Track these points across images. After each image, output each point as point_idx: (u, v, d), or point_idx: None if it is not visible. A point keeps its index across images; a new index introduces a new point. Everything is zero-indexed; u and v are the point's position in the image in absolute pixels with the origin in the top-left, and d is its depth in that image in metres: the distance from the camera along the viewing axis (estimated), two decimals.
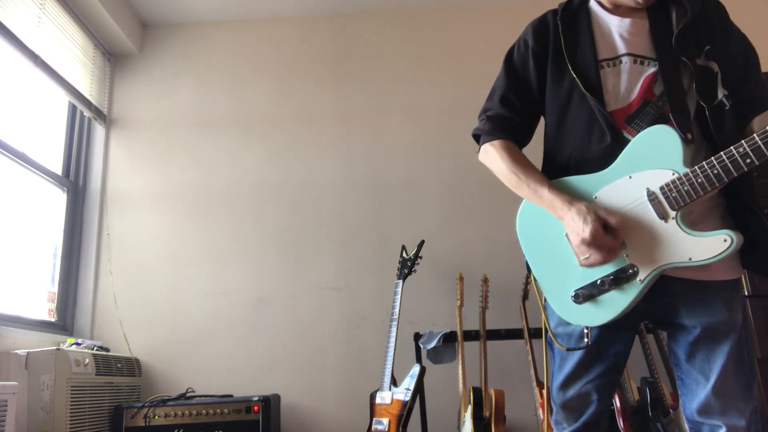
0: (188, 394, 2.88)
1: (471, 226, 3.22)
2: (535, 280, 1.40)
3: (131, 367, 2.99)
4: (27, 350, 2.47)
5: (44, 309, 3.06)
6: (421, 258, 2.82)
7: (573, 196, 1.27)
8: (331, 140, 3.45)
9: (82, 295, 3.23)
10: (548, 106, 1.38)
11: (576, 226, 1.22)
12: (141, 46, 3.64)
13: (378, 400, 2.56)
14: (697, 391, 1.27)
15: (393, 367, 2.59)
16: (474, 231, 3.21)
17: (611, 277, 1.24)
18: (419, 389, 2.57)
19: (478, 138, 1.46)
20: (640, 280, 1.22)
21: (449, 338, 2.71)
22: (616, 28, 1.32)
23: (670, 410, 2.39)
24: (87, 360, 2.61)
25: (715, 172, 1.12)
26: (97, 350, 2.80)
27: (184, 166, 3.44)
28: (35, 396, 2.40)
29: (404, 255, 2.83)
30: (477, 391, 2.49)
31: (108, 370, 2.76)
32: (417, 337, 2.76)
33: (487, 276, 2.84)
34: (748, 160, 1.09)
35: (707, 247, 1.15)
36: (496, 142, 1.40)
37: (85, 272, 3.26)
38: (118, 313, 3.20)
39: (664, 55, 1.25)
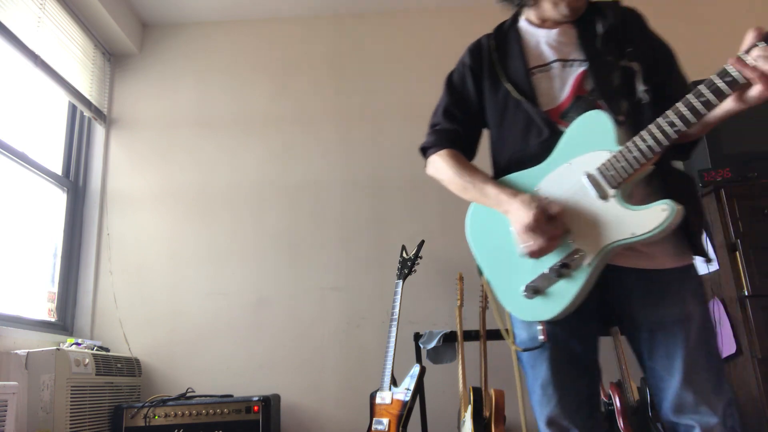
0: (188, 394, 2.88)
1: None
2: (487, 282, 1.41)
3: (131, 367, 2.99)
4: (27, 350, 2.47)
5: (44, 309, 3.06)
6: (421, 258, 2.82)
7: (517, 190, 1.31)
8: (331, 140, 3.46)
9: (82, 295, 3.23)
10: (489, 119, 1.47)
11: (519, 214, 1.24)
12: (141, 46, 3.64)
13: (378, 400, 2.56)
14: (664, 389, 1.25)
15: (393, 367, 2.59)
16: None
17: (559, 264, 1.24)
18: (419, 389, 2.57)
19: (425, 152, 1.54)
20: (587, 264, 1.21)
21: (449, 338, 2.71)
22: (544, 39, 1.42)
23: None
24: (87, 360, 2.61)
25: (648, 144, 1.16)
26: (97, 350, 2.80)
27: (184, 166, 3.44)
28: (35, 396, 2.40)
29: (404, 255, 2.83)
30: (477, 391, 2.49)
31: (108, 370, 2.76)
32: (417, 337, 2.76)
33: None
34: (675, 127, 1.13)
35: (648, 218, 1.15)
36: (442, 152, 1.47)
37: (85, 272, 3.27)
38: (118, 313, 3.20)
39: (591, 54, 1.35)
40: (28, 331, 2.73)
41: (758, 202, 2.53)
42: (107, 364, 2.77)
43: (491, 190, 1.34)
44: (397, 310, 2.69)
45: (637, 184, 1.23)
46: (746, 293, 2.43)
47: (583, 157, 1.25)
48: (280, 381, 3.07)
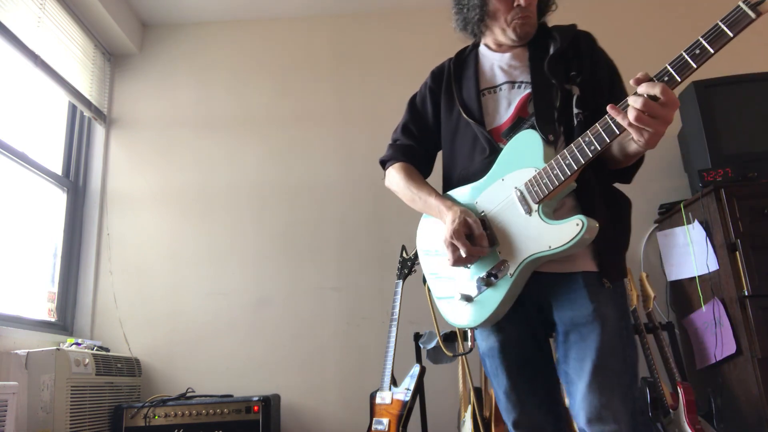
0: (188, 394, 2.88)
1: None
2: (429, 291, 1.53)
3: (131, 367, 2.99)
4: (27, 350, 2.47)
5: (44, 309, 3.06)
6: None
7: (455, 203, 1.42)
8: (332, 140, 3.46)
9: (82, 295, 3.23)
10: (443, 136, 1.57)
11: (446, 226, 1.35)
12: (141, 46, 3.64)
13: (378, 400, 2.56)
14: (574, 393, 1.27)
15: (393, 367, 2.59)
16: None
17: (486, 274, 1.33)
18: (419, 389, 2.57)
19: (384, 165, 1.65)
20: (510, 274, 1.30)
21: (449, 338, 2.70)
22: (497, 63, 1.51)
23: (670, 410, 2.40)
24: (87, 360, 2.61)
25: (567, 162, 1.23)
26: (97, 350, 2.80)
27: (184, 166, 3.44)
28: (35, 396, 2.40)
29: (404, 255, 2.83)
30: (477, 391, 2.49)
31: (108, 370, 2.76)
32: (417, 337, 2.76)
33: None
34: (592, 147, 1.19)
35: (562, 232, 1.22)
36: (397, 165, 1.59)
37: (85, 272, 3.27)
38: (118, 313, 3.20)
39: (537, 78, 1.42)
40: (28, 331, 2.73)
41: (758, 202, 2.53)
42: (107, 364, 2.77)
43: (433, 201, 1.44)
44: (397, 310, 2.69)
45: (566, 202, 1.31)
46: (746, 293, 2.43)
47: (514, 174, 1.33)
48: (280, 381, 3.07)
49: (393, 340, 2.62)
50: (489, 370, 1.43)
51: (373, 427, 2.51)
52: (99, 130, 3.50)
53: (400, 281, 2.75)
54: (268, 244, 3.30)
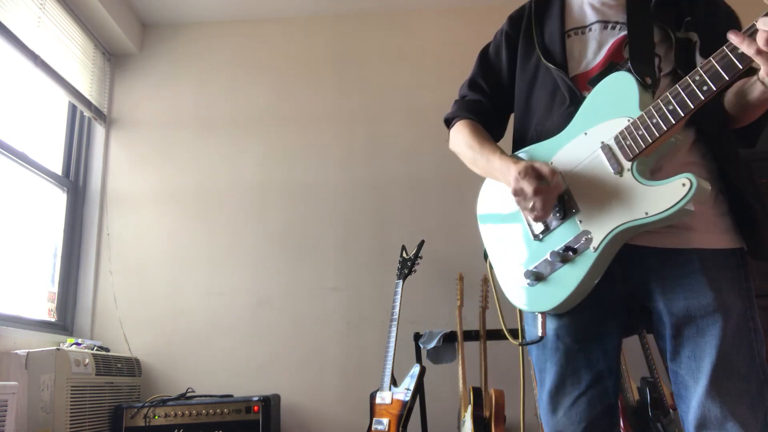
0: (188, 394, 2.88)
1: (471, 226, 3.19)
2: (491, 267, 1.30)
3: (131, 367, 2.99)
4: (27, 350, 2.47)
5: (44, 309, 3.06)
6: (421, 258, 2.82)
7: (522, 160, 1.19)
8: (332, 140, 3.45)
9: (82, 295, 3.23)
10: (517, 88, 1.34)
11: (508, 177, 1.14)
12: (141, 46, 3.64)
13: (378, 400, 2.56)
14: (687, 398, 1.05)
15: (393, 367, 2.59)
16: (474, 231, 3.18)
17: (562, 248, 1.10)
18: (419, 389, 2.57)
19: (448, 123, 1.43)
20: (593, 248, 1.06)
21: (449, 338, 2.71)
22: (588, 1, 1.29)
23: (670, 410, 2.39)
24: (87, 360, 2.61)
25: (670, 107, 0.99)
26: (97, 350, 2.80)
27: (184, 166, 3.44)
28: (35, 396, 2.40)
29: (404, 255, 2.83)
30: (477, 391, 2.49)
31: (108, 370, 2.76)
32: (417, 337, 2.76)
33: (487, 276, 2.84)
34: (705, 87, 0.96)
35: (664, 195, 0.98)
36: (461, 122, 1.37)
37: (85, 272, 3.26)
38: (118, 313, 3.19)
39: (636, 19, 1.19)
40: (28, 331, 2.73)
41: None
42: (107, 364, 2.77)
43: (497, 161, 1.21)
44: (397, 310, 2.69)
45: (674, 153, 1.07)
46: None
47: (601, 126, 1.10)
48: (280, 381, 3.07)
49: (393, 340, 2.62)
50: (535, 363, 1.22)
51: (373, 427, 2.51)
52: (99, 130, 3.50)
53: (400, 281, 2.75)
54: (268, 244, 3.30)
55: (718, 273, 1.06)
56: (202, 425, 2.67)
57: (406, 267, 2.78)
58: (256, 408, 2.70)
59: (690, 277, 1.05)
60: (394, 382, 2.58)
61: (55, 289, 3.15)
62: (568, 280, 1.09)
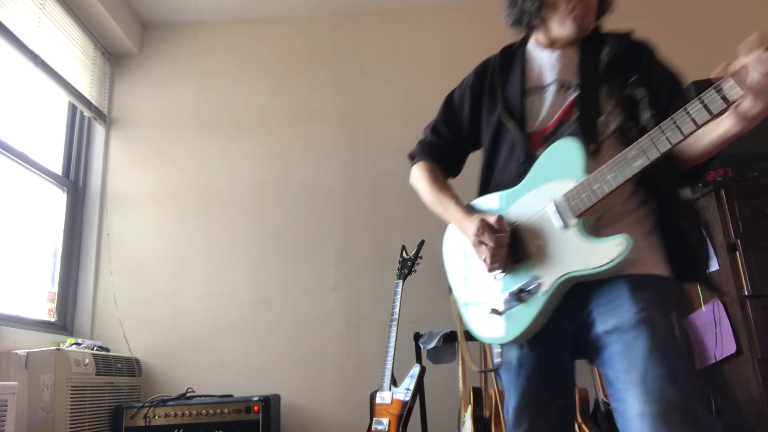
0: (188, 394, 2.88)
1: None
2: (455, 301, 1.47)
3: (131, 367, 2.99)
4: (27, 350, 2.47)
5: (44, 309, 3.06)
6: (421, 258, 2.82)
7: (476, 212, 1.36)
8: (331, 140, 3.45)
9: (82, 295, 3.23)
10: (484, 137, 1.48)
11: (468, 230, 1.31)
12: (141, 46, 3.64)
13: (378, 400, 2.56)
14: (626, 413, 1.09)
15: (393, 367, 2.59)
16: None
17: (517, 290, 1.26)
18: (419, 389, 2.57)
19: (411, 160, 1.62)
20: (543, 292, 1.22)
21: (449, 338, 2.70)
22: (547, 61, 1.42)
23: None
24: (87, 360, 2.61)
25: (611, 174, 1.14)
26: (97, 350, 2.80)
27: (184, 166, 3.44)
28: (35, 396, 2.40)
29: (404, 255, 2.83)
30: (477, 391, 2.49)
31: (108, 370, 2.76)
32: (417, 337, 2.76)
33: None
34: (641, 159, 1.11)
35: (603, 252, 1.14)
36: (422, 164, 1.55)
37: (85, 272, 3.26)
38: (118, 313, 3.20)
39: (587, 82, 1.33)
40: (28, 331, 2.73)
41: (758, 202, 2.53)
42: (107, 364, 2.77)
43: (453, 211, 1.40)
44: (397, 310, 2.69)
45: (618, 208, 1.23)
46: (746, 293, 2.43)
47: (550, 185, 1.25)
48: (280, 381, 3.07)
49: (393, 340, 2.62)
50: (503, 385, 1.36)
51: (373, 427, 2.51)
52: (99, 130, 3.50)
53: (400, 281, 2.75)
54: (268, 243, 3.30)
55: (643, 293, 1.16)
56: (202, 425, 2.67)
57: (406, 267, 2.78)
58: (256, 408, 2.70)
59: (619, 299, 1.17)
60: (394, 382, 2.58)
61: (55, 289, 3.15)
62: (522, 317, 1.25)
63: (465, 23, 3.57)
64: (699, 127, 1.06)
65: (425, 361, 2.69)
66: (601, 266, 1.14)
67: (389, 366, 2.59)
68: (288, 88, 3.56)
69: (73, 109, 3.42)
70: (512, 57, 1.49)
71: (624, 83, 1.31)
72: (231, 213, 3.36)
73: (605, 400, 2.51)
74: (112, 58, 3.62)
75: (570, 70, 1.37)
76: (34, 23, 2.93)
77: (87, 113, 3.40)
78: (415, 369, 2.55)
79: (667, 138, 1.09)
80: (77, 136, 3.44)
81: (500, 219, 1.27)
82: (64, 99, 3.32)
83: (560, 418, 1.30)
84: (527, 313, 1.24)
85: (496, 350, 1.33)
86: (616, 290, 1.18)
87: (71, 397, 2.47)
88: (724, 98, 1.03)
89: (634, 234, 1.15)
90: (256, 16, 3.67)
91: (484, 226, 1.26)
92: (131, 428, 2.67)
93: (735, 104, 1.05)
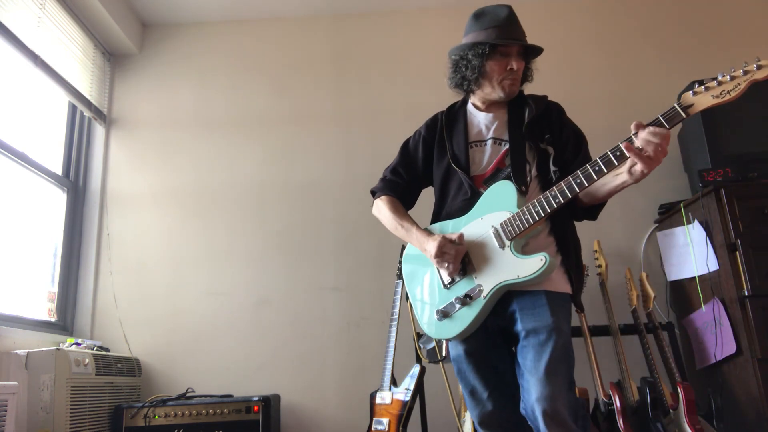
0: (188, 394, 2.88)
1: None
2: (412, 309, 1.85)
3: (131, 367, 2.99)
4: (27, 350, 2.47)
5: (44, 309, 3.06)
6: None
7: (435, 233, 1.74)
8: (331, 140, 3.46)
9: (82, 295, 3.23)
10: (435, 177, 1.87)
11: (430, 248, 1.67)
12: (141, 46, 3.64)
13: (378, 400, 2.56)
14: (528, 387, 1.53)
15: (393, 367, 2.59)
16: None
17: (462, 295, 1.64)
18: (419, 389, 2.57)
19: (373, 195, 1.96)
20: (483, 297, 1.61)
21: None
22: (483, 121, 1.82)
23: (670, 410, 2.40)
24: (87, 360, 2.61)
25: (536, 209, 1.56)
26: (97, 350, 2.80)
27: (184, 166, 3.44)
28: (35, 396, 2.40)
29: None
30: None
31: (108, 370, 2.76)
32: (417, 337, 2.76)
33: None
34: (557, 200, 1.53)
35: (529, 265, 1.54)
36: (384, 197, 1.91)
37: (85, 272, 3.27)
38: (118, 313, 3.20)
39: (514, 138, 1.74)
40: (28, 331, 2.73)
41: (758, 202, 2.53)
42: (107, 364, 2.77)
43: (415, 233, 1.76)
44: (397, 310, 2.69)
45: (536, 236, 1.63)
46: (746, 293, 2.43)
47: (492, 215, 1.65)
48: (280, 381, 3.07)
49: (393, 340, 2.62)
50: (457, 373, 1.72)
51: (373, 427, 2.51)
52: (99, 130, 3.50)
53: (400, 281, 2.75)
54: (268, 243, 3.30)
55: (557, 307, 1.58)
56: (202, 425, 2.67)
57: None
58: (256, 408, 2.70)
59: (540, 307, 1.57)
60: (394, 382, 2.58)
61: (55, 289, 3.15)
62: (466, 317, 1.64)
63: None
64: (598, 178, 1.49)
65: (425, 361, 2.69)
66: (528, 276, 1.53)
67: (389, 366, 2.59)
68: (288, 88, 3.56)
69: (73, 109, 3.42)
70: (456, 115, 1.88)
71: (541, 138, 1.73)
72: (231, 213, 3.36)
73: (605, 400, 2.51)
74: (112, 58, 3.62)
75: (501, 128, 1.78)
76: (34, 23, 2.93)
77: (87, 113, 3.40)
78: (415, 369, 2.55)
79: (577, 184, 1.50)
80: (77, 136, 3.44)
81: (461, 236, 1.66)
82: (64, 99, 3.32)
83: (506, 395, 1.64)
84: (470, 314, 1.62)
85: (444, 345, 1.83)
86: (539, 300, 1.57)
87: (71, 397, 2.47)
88: (617, 158, 1.45)
89: (550, 254, 1.55)
90: (256, 16, 3.67)
91: (446, 242, 1.64)
92: (131, 428, 2.67)
93: (628, 167, 1.46)
